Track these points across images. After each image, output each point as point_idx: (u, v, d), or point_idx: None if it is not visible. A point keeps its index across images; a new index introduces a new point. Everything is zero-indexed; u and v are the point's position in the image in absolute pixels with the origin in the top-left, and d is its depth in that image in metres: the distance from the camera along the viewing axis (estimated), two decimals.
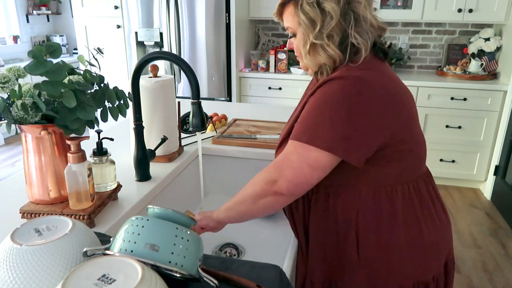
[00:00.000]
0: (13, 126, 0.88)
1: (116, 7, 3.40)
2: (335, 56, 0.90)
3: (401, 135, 0.90)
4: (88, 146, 1.07)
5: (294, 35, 0.96)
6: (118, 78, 3.50)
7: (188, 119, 1.62)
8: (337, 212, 0.94)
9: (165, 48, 3.32)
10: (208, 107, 2.08)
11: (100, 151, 1.02)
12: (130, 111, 1.09)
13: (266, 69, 3.48)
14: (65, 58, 4.65)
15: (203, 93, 3.36)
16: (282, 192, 0.88)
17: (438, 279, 1.00)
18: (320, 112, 0.87)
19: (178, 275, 0.62)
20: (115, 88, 0.98)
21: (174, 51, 3.30)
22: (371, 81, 0.87)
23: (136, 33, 3.35)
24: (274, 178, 0.88)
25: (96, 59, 1.01)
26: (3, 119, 0.86)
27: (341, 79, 0.87)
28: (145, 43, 3.37)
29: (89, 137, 0.97)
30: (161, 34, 3.30)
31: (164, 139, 1.29)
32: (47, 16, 5.51)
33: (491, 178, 3.15)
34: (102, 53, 1.02)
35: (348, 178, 0.92)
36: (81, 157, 0.91)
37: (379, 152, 0.88)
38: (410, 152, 0.94)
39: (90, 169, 0.94)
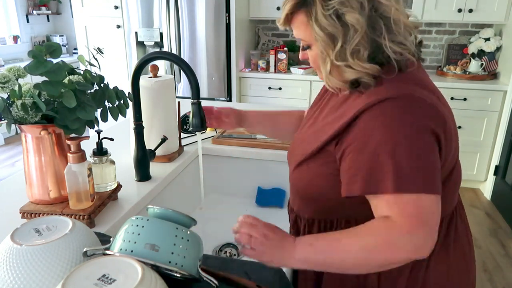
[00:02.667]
0: (13, 126, 0.88)
1: (116, 7, 3.40)
2: (368, 71, 0.74)
3: (450, 160, 0.78)
4: (88, 146, 1.07)
5: (309, 47, 0.80)
6: (118, 78, 3.50)
7: (188, 119, 1.62)
8: None
9: (165, 48, 3.32)
10: None
11: (100, 151, 1.02)
12: (130, 111, 1.09)
13: (266, 69, 3.48)
14: (65, 58, 4.65)
15: (203, 93, 3.36)
16: (425, 255, 0.70)
17: None
18: (399, 151, 0.69)
19: (178, 275, 0.62)
20: (115, 88, 0.98)
21: (174, 51, 3.30)
22: (427, 100, 0.73)
23: (136, 33, 3.35)
24: (426, 239, 0.69)
25: (96, 59, 1.00)
26: (3, 119, 0.86)
27: (395, 100, 0.71)
28: (145, 43, 3.37)
29: (89, 137, 0.97)
30: (161, 34, 3.30)
31: (164, 139, 1.29)
32: (47, 16, 5.51)
33: (491, 178, 3.15)
34: (102, 53, 1.02)
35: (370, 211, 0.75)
36: (81, 157, 0.91)
37: None
38: (449, 181, 0.81)
39: (90, 169, 0.94)
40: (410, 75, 0.77)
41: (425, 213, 0.69)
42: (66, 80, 0.89)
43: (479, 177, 3.24)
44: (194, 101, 1.06)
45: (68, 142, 0.90)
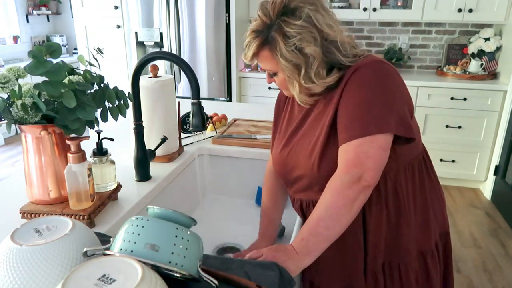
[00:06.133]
0: (13, 126, 0.88)
1: (116, 7, 3.40)
2: (330, 82, 0.91)
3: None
4: (88, 146, 1.07)
5: (275, 74, 0.95)
6: (118, 78, 3.50)
7: (188, 119, 1.62)
8: (388, 197, 0.96)
9: (165, 48, 3.32)
10: (208, 107, 2.08)
11: (100, 151, 1.02)
12: (130, 111, 1.09)
13: None
14: (65, 58, 4.65)
15: (203, 93, 3.36)
16: (370, 184, 0.85)
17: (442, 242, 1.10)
18: (368, 100, 0.87)
19: (178, 275, 0.62)
20: (115, 88, 0.98)
21: (174, 51, 3.30)
22: (386, 61, 0.93)
23: (136, 33, 3.35)
24: (358, 175, 0.84)
25: (96, 59, 1.01)
26: (3, 119, 0.86)
27: (366, 66, 0.89)
28: (145, 43, 3.37)
29: (89, 137, 0.97)
30: (161, 34, 3.30)
31: (164, 139, 1.29)
32: (47, 16, 5.51)
33: (491, 178, 3.15)
34: (102, 53, 1.02)
35: (390, 162, 0.90)
36: (81, 157, 0.91)
37: None
38: (415, 123, 0.98)
39: (90, 169, 0.94)
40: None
41: (361, 157, 0.85)
42: (66, 80, 0.89)
43: (479, 177, 3.24)
44: (194, 101, 1.06)
45: (68, 142, 0.90)
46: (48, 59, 0.85)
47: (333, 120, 0.92)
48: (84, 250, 0.62)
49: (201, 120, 1.08)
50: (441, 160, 3.24)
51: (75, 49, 5.38)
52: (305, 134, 1.00)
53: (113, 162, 1.05)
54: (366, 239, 0.98)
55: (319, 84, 0.91)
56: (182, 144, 1.50)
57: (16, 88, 0.87)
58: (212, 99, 3.35)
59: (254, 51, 0.91)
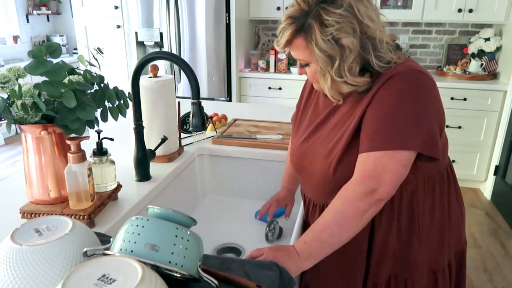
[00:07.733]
0: (13, 126, 0.88)
1: (116, 7, 3.40)
2: (360, 84, 0.86)
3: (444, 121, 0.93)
4: (88, 146, 1.07)
5: (307, 64, 0.91)
6: (118, 78, 3.50)
7: (188, 119, 1.62)
8: (402, 211, 0.94)
9: (165, 48, 3.32)
10: (208, 107, 2.08)
11: (100, 151, 1.02)
12: (130, 111, 1.09)
13: (266, 69, 3.48)
14: (65, 58, 4.65)
15: (203, 93, 3.36)
16: (383, 198, 0.83)
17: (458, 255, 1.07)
18: (396, 112, 0.83)
19: (178, 275, 0.62)
20: (115, 88, 0.98)
21: (174, 51, 3.29)
22: (424, 71, 0.88)
23: (136, 33, 3.35)
24: (373, 188, 0.82)
25: (96, 59, 1.01)
26: (3, 119, 0.86)
27: (401, 75, 0.85)
28: (145, 43, 3.37)
29: (89, 137, 0.97)
30: (161, 34, 3.30)
31: (164, 139, 1.29)
32: (47, 16, 5.51)
33: (491, 178, 3.15)
34: (102, 53, 1.02)
35: (408, 175, 0.87)
36: (81, 157, 0.91)
37: None
38: (444, 139, 0.95)
39: (90, 169, 0.94)
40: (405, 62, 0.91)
41: (379, 169, 0.82)
42: (66, 80, 0.89)
43: (479, 177, 3.24)
44: (194, 101, 1.06)
45: (68, 142, 0.90)
46: (48, 59, 0.85)
47: (358, 125, 0.89)
48: (84, 250, 0.62)
49: (201, 120, 1.08)
50: None
51: (75, 49, 5.38)
52: (327, 133, 0.96)
53: (113, 162, 1.05)
54: (371, 250, 0.97)
55: (350, 81, 0.85)
56: (182, 144, 1.50)
57: (16, 88, 0.87)
58: (212, 99, 3.35)
59: (288, 38, 0.85)
